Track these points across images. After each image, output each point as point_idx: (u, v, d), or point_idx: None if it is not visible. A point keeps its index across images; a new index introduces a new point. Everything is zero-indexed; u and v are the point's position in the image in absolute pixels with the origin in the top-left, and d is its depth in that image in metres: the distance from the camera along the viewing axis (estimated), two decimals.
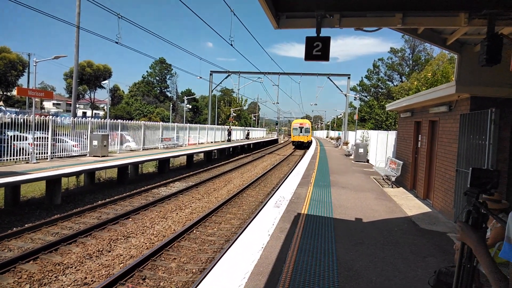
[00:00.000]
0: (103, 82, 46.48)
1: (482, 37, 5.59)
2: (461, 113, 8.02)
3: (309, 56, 5.69)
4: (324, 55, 5.62)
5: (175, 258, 7.85)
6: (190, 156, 24.94)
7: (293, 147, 47.73)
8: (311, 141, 48.37)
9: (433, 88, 10.18)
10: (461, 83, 7.62)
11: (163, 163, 20.74)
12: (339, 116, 74.84)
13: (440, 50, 38.84)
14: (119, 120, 21.17)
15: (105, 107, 53.90)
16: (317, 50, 5.64)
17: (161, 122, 28.07)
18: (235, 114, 64.90)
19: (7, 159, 13.41)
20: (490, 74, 7.11)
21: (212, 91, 46.44)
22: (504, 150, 6.84)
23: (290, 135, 52.06)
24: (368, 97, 60.89)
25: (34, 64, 16.13)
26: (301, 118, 71.20)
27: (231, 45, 17.24)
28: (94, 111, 68.43)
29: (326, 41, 5.64)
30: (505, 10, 4.98)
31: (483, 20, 5.21)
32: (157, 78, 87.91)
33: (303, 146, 44.94)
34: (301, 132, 46.56)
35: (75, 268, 7.10)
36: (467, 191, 1.97)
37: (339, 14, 5.63)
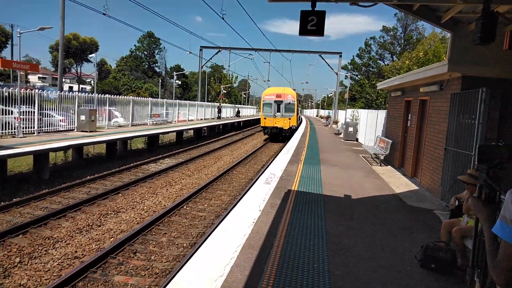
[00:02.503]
0: (90, 56, 45.42)
1: (477, 16, 5.55)
2: (452, 92, 8.06)
3: (303, 30, 5.59)
4: (319, 30, 5.53)
5: (165, 233, 7.90)
6: (179, 133, 24.78)
7: (266, 136, 29.14)
8: (297, 126, 30.74)
9: (425, 66, 10.19)
10: (453, 62, 7.62)
11: (153, 139, 20.58)
12: (329, 95, 74.81)
13: (432, 29, 38.74)
14: (107, 95, 20.80)
15: (92, 81, 52.84)
16: (312, 24, 5.54)
17: (150, 98, 27.67)
18: (225, 91, 64.33)
19: None
20: (482, 53, 7.12)
21: (202, 67, 45.81)
22: (493, 130, 6.92)
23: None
24: (359, 76, 60.82)
25: (18, 35, 15.59)
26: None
27: (223, 18, 16.88)
28: (81, 86, 67.07)
29: (321, 15, 5.54)
30: None
31: None
32: (146, 52, 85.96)
33: (282, 135, 27.26)
34: (278, 110, 27.17)
35: (65, 242, 7.09)
36: (478, 167, 2.00)
37: None
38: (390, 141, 13.42)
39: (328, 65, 40.89)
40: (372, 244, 5.31)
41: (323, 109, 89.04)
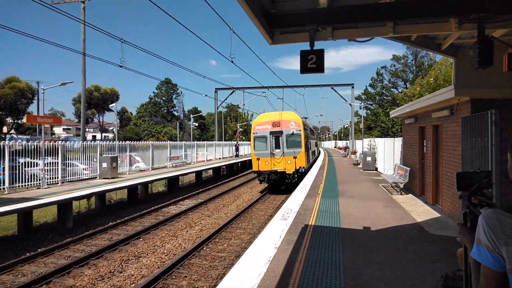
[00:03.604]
0: (111, 105, 47.37)
1: (475, 41, 5.67)
2: (462, 116, 8.03)
3: (304, 69, 5.82)
4: (318, 67, 5.74)
5: (186, 276, 7.90)
6: (198, 173, 25.09)
7: (263, 184, 20.96)
8: (309, 166, 22.95)
9: (434, 93, 10.23)
10: (459, 87, 7.67)
11: (172, 181, 20.91)
12: (345, 126, 74.74)
13: None
14: (127, 142, 21.50)
15: (114, 129, 54.69)
16: (312, 62, 5.77)
17: (168, 141, 28.39)
18: (241, 129, 65.19)
19: (19, 186, 13.70)
20: (487, 76, 7.15)
21: (217, 108, 46.93)
22: (506, 151, 6.79)
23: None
24: (373, 105, 60.83)
25: (42, 91, 16.58)
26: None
27: (232, 61, 17.58)
28: (104, 134, 69.43)
29: (320, 53, 5.78)
30: (494, 13, 5.08)
31: (473, 24, 5.30)
32: (164, 98, 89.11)
33: (285, 183, 19.22)
34: (277, 145, 19.14)
35: None
36: (461, 195, 2.05)
37: (331, 27, 5.78)
38: (408, 168, 13.24)
39: (341, 97, 41.37)
40: (392, 277, 5.18)
41: (341, 139, 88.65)
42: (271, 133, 19.00)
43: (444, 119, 9.61)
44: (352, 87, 40.54)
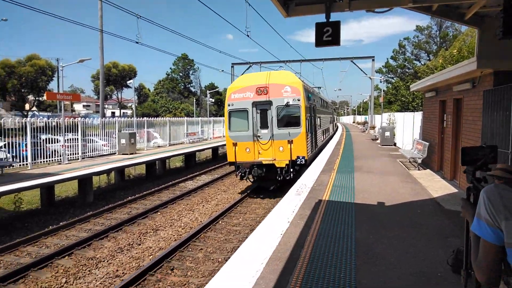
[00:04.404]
0: (129, 82, 47.67)
1: (501, 9, 5.35)
2: (484, 89, 7.74)
3: (319, 42, 5.67)
4: (334, 40, 5.58)
5: (201, 249, 8.12)
6: (215, 149, 25.31)
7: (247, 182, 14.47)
8: (314, 154, 15.69)
9: (455, 65, 9.85)
10: (482, 58, 7.34)
11: (189, 157, 21.19)
12: (365, 100, 73.29)
13: None
14: (145, 118, 21.77)
15: (132, 106, 55.43)
16: (328, 35, 5.60)
17: (185, 117, 28.57)
18: None
19: (41, 161, 14.14)
20: None
21: None
22: None
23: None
24: (394, 78, 59.12)
25: (61, 68, 16.80)
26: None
27: (248, 35, 17.21)
28: (122, 111, 70.42)
29: (336, 25, 5.60)
30: None
31: None
32: (181, 74, 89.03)
33: (275, 181, 12.84)
34: (263, 123, 12.83)
35: (107, 261, 7.49)
36: (466, 170, 2.00)
37: None
38: (427, 143, 12.98)
39: (361, 70, 40.14)
40: (404, 251, 5.17)
41: (360, 114, 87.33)
42: (255, 104, 12.90)
43: (466, 93, 9.29)
44: (373, 60, 39.31)
